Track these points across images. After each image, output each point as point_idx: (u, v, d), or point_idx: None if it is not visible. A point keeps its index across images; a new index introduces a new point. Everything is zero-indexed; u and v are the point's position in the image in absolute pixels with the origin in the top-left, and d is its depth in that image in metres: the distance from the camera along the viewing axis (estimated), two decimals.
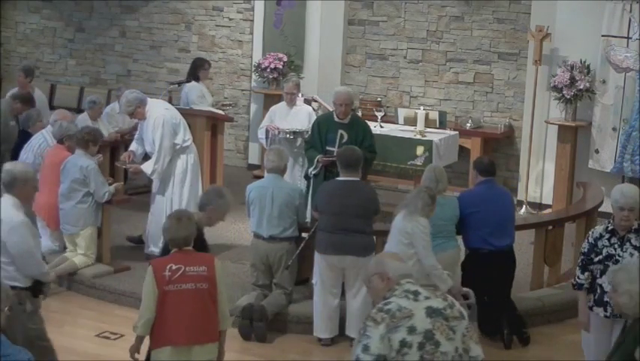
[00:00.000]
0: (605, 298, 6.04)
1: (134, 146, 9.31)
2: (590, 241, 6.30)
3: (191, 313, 5.59)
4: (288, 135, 9.57)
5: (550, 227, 8.63)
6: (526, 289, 8.57)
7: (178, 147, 9.13)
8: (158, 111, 9.09)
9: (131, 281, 8.51)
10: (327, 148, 8.68)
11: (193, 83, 11.18)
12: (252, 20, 12.95)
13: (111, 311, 8.18)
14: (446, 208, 7.74)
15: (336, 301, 7.70)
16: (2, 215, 6.04)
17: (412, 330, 4.42)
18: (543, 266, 8.63)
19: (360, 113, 10.32)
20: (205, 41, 13.50)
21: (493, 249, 7.66)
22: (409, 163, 9.93)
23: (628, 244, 6.15)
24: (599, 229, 6.33)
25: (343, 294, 7.71)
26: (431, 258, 7.04)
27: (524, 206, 11.09)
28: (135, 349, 5.77)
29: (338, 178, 7.72)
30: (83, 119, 10.21)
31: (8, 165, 6.37)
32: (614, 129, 10.44)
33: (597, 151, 10.60)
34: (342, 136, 8.71)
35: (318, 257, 7.65)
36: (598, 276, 6.22)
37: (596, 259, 6.22)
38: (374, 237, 7.73)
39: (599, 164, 10.58)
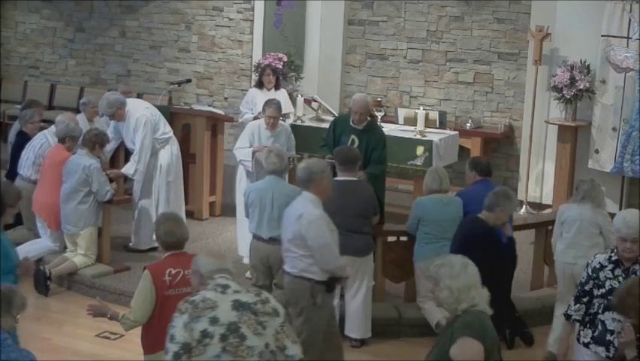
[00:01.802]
0: (609, 337, 5.56)
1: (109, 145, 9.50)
2: (588, 271, 5.75)
3: None
4: None
5: (550, 227, 8.61)
6: (526, 289, 8.57)
7: (160, 141, 9.30)
8: (140, 111, 9.28)
9: (131, 281, 8.50)
10: None
11: (251, 89, 10.84)
12: (252, 20, 12.95)
13: None
14: (451, 208, 7.76)
15: (335, 301, 7.69)
16: (302, 210, 6.36)
17: (214, 321, 4.45)
18: (543, 266, 8.64)
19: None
20: (205, 41, 13.49)
21: None
22: (409, 163, 9.93)
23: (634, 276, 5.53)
24: (599, 257, 5.77)
25: (343, 294, 7.71)
26: None
27: (524, 206, 11.08)
28: (102, 315, 5.78)
29: (336, 178, 7.71)
30: (81, 120, 10.24)
31: (303, 164, 6.66)
32: (614, 129, 10.44)
33: (597, 151, 10.59)
34: (353, 141, 8.66)
35: None
36: (600, 311, 5.63)
37: (598, 293, 5.65)
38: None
39: (599, 164, 10.57)
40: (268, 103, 9.12)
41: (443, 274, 4.63)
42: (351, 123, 8.73)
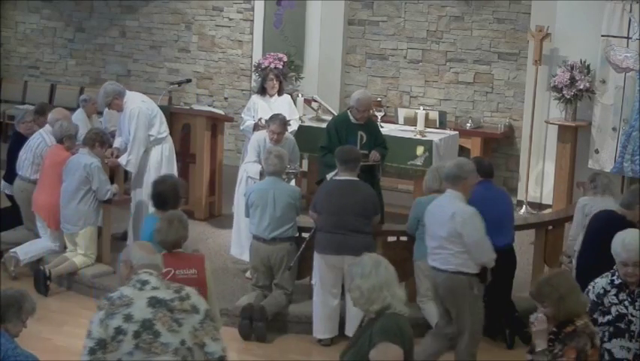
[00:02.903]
0: None
1: (117, 142, 9.40)
2: (591, 298, 5.25)
3: None
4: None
5: (550, 227, 8.63)
6: (526, 289, 8.51)
7: (152, 138, 9.28)
8: (135, 103, 9.23)
9: None
10: None
11: (253, 95, 10.35)
12: (252, 20, 12.95)
13: None
14: None
15: (336, 302, 7.70)
16: (454, 209, 6.56)
17: (128, 318, 4.50)
18: (543, 266, 8.63)
19: None
20: (205, 41, 13.50)
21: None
22: (409, 163, 9.93)
23: None
24: (600, 282, 5.31)
25: (343, 294, 7.71)
26: None
27: (524, 206, 11.08)
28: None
29: (336, 178, 7.72)
30: (78, 117, 10.24)
31: (453, 161, 6.95)
32: (614, 129, 10.44)
33: (597, 151, 10.59)
34: (362, 137, 8.77)
35: (317, 257, 7.66)
36: (606, 340, 5.17)
37: (604, 320, 5.21)
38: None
39: (599, 164, 10.56)
40: (272, 118, 8.89)
41: (354, 273, 4.60)
42: (352, 121, 8.78)
